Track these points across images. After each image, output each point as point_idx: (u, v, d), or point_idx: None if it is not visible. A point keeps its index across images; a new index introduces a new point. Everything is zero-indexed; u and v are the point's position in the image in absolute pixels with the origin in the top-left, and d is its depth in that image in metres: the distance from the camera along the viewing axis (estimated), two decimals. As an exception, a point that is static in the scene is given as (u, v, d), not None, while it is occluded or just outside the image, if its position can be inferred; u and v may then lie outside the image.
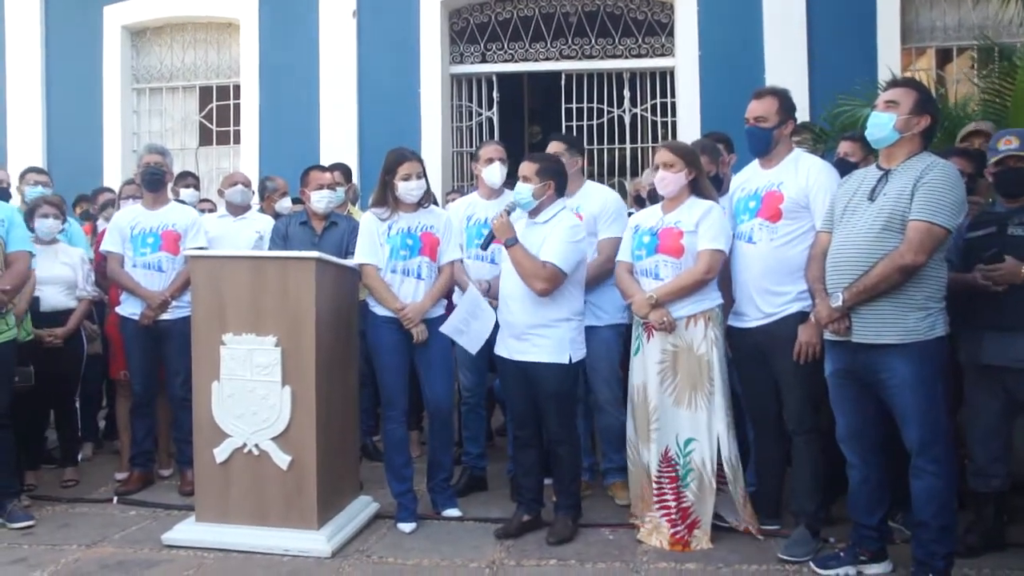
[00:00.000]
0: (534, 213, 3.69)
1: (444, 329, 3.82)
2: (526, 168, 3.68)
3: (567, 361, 3.62)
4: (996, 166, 3.42)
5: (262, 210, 5.47)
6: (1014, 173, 3.36)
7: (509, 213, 3.67)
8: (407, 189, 3.86)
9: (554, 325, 3.61)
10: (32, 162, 6.67)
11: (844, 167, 3.87)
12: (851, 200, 3.14)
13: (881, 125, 3.08)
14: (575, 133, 7.21)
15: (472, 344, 3.82)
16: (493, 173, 4.36)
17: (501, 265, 3.81)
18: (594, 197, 4.21)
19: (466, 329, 3.78)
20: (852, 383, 3.14)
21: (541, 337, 3.60)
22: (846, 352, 3.11)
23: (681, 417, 3.56)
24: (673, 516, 3.56)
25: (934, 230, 2.92)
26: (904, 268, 2.94)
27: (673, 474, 3.57)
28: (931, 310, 2.99)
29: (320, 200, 4.57)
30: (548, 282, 3.54)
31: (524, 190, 3.65)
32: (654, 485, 3.61)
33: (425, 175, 3.95)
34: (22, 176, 5.39)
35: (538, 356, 3.61)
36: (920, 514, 3.02)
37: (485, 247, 3.84)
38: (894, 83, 3.30)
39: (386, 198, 3.91)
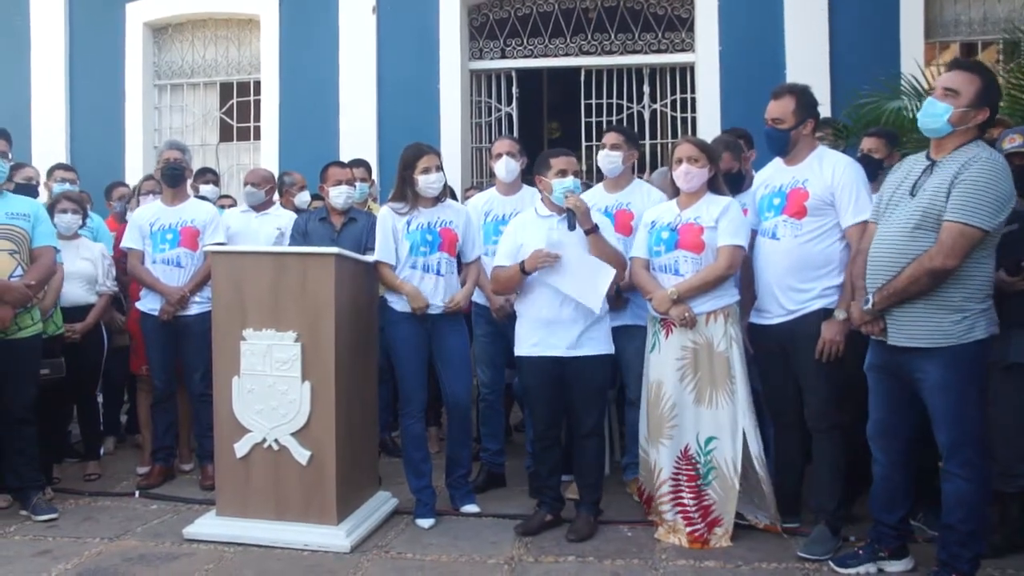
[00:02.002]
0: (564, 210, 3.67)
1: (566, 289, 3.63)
2: (573, 164, 3.72)
3: (613, 351, 3.73)
4: None
5: (283, 205, 5.50)
6: (1021, 171, 3.27)
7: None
8: (427, 183, 3.87)
9: (604, 318, 3.70)
10: (56, 158, 6.76)
11: (868, 164, 3.82)
12: (895, 193, 3.03)
13: (935, 116, 2.89)
14: (594, 129, 7.21)
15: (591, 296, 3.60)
16: (501, 167, 4.37)
17: (562, 264, 3.61)
18: (646, 195, 4.20)
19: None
20: (888, 379, 3.09)
21: (596, 330, 3.65)
22: (883, 350, 3.06)
23: (702, 415, 3.55)
24: (691, 514, 3.54)
25: (968, 231, 2.78)
26: (933, 272, 2.83)
27: (692, 472, 3.56)
28: (969, 312, 2.87)
29: (339, 196, 4.59)
30: (626, 268, 3.68)
31: (577, 184, 3.69)
32: (670, 482, 3.59)
33: (442, 169, 3.96)
34: (49, 173, 5.44)
35: (593, 349, 3.65)
36: (948, 517, 2.97)
37: (573, 227, 3.63)
38: (956, 64, 2.98)
39: (405, 193, 3.91)
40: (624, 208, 4.13)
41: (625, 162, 4.18)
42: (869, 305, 2.98)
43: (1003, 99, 5.11)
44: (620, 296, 3.97)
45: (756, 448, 3.53)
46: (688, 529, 3.53)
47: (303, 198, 5.57)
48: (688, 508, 3.56)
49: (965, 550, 2.94)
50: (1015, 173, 3.30)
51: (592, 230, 3.61)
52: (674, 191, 3.72)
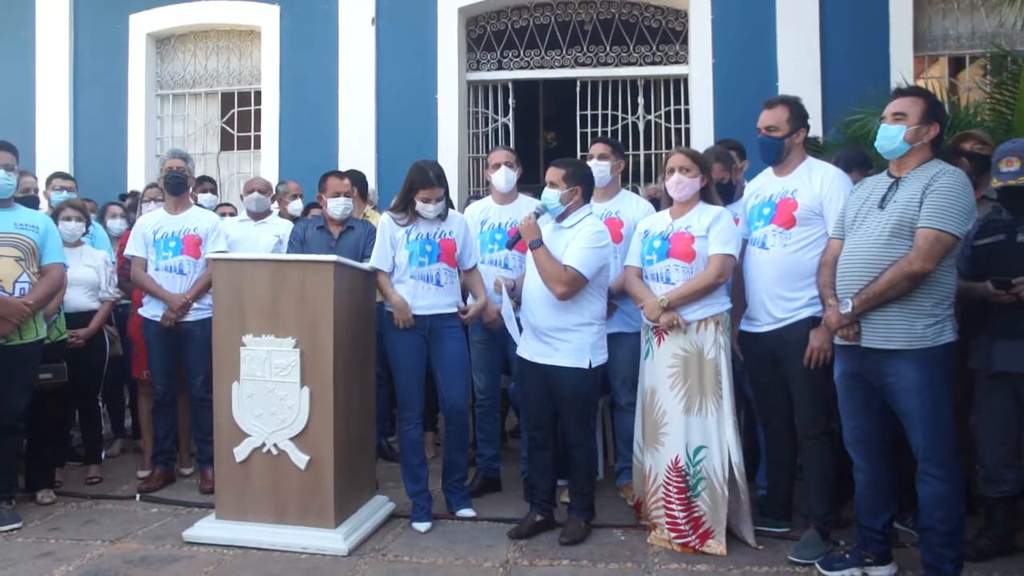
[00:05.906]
0: (561, 218, 3.72)
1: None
2: (554, 174, 3.71)
3: (587, 366, 3.64)
4: (999, 181, 3.43)
5: (280, 214, 5.57)
6: (1018, 192, 3.36)
7: (538, 216, 3.72)
8: (425, 210, 3.91)
9: (575, 329, 3.64)
10: (59, 166, 6.84)
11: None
12: (862, 208, 3.17)
13: (891, 138, 3.11)
14: (589, 140, 7.29)
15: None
16: (500, 178, 4.42)
17: (526, 268, 3.86)
18: (634, 203, 4.28)
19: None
20: (860, 386, 3.17)
21: (562, 341, 3.64)
22: (855, 356, 3.14)
23: (692, 424, 3.56)
24: (681, 527, 3.56)
25: (943, 237, 2.95)
26: (912, 275, 2.96)
27: (682, 484, 3.56)
28: (939, 317, 3.01)
29: (336, 207, 4.66)
30: (568, 286, 3.58)
31: (551, 195, 3.69)
32: (661, 491, 3.63)
33: (447, 194, 4.00)
34: (48, 181, 5.50)
35: (558, 360, 3.65)
36: (927, 519, 3.03)
37: (511, 246, 3.86)
38: (900, 92, 3.28)
39: (406, 208, 3.94)
40: (614, 216, 4.20)
41: (613, 171, 4.26)
42: (849, 309, 3.07)
43: (988, 113, 5.22)
44: (610, 304, 4.03)
45: (737, 458, 3.55)
46: (679, 542, 3.57)
47: (296, 205, 5.65)
48: (677, 520, 3.57)
49: (948, 550, 3.00)
50: (1013, 194, 3.38)
51: (535, 245, 3.65)
52: (669, 201, 3.77)
